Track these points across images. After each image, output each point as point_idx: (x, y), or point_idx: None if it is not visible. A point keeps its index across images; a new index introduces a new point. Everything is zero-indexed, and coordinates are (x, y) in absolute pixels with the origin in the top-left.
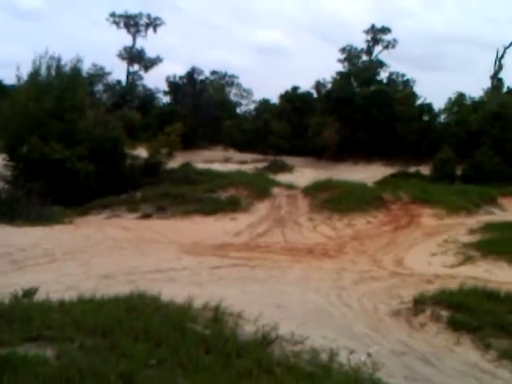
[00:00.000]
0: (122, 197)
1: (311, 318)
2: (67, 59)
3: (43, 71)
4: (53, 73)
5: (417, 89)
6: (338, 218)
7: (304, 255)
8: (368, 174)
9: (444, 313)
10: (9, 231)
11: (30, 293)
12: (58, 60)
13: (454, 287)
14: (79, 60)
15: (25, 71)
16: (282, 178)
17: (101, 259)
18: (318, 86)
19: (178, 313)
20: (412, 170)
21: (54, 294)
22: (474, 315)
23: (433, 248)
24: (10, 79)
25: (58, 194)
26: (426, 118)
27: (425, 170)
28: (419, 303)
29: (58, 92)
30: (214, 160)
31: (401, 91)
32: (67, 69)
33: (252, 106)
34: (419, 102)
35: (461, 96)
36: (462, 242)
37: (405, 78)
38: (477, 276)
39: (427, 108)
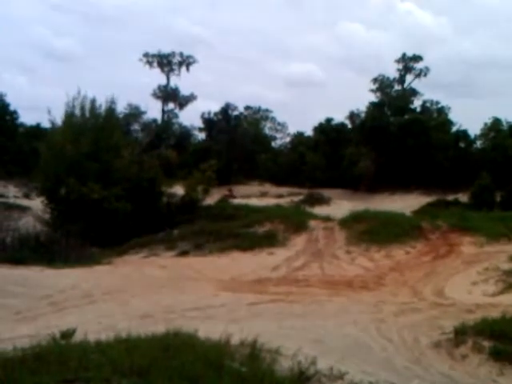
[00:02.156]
0: (160, 235)
1: (350, 353)
2: (102, 100)
3: (77, 112)
4: (87, 114)
5: (451, 116)
6: (376, 250)
7: (342, 288)
8: (405, 203)
9: (486, 343)
10: (48, 273)
11: (68, 334)
12: (93, 101)
13: (495, 316)
14: (113, 101)
15: (59, 113)
16: (319, 210)
17: (139, 298)
18: (352, 116)
19: (214, 350)
20: (450, 197)
21: (92, 334)
22: None
23: (473, 277)
24: (46, 122)
25: (97, 234)
26: (462, 144)
27: (463, 197)
28: (460, 334)
29: (94, 133)
30: (251, 195)
31: (435, 119)
32: (102, 109)
33: (287, 140)
34: (454, 128)
35: (497, 121)
36: (502, 269)
37: (439, 106)
38: None
39: (463, 135)
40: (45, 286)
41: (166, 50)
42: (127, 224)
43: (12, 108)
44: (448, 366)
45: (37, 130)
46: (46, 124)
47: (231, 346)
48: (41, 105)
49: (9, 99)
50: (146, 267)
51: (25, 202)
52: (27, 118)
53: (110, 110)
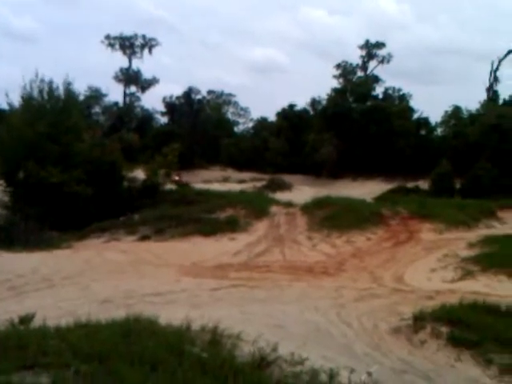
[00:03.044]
0: (121, 220)
1: (311, 338)
2: (59, 82)
3: (36, 95)
4: (45, 96)
5: (413, 103)
6: (337, 236)
7: (303, 274)
8: (366, 190)
9: (444, 329)
10: (7, 257)
11: (26, 319)
12: (50, 83)
13: (454, 303)
14: (70, 82)
15: (17, 95)
16: (281, 196)
17: (100, 283)
18: (314, 103)
19: (175, 336)
20: (410, 184)
21: (51, 319)
22: (475, 330)
23: (432, 263)
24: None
25: (56, 218)
26: (423, 132)
27: (423, 184)
28: (419, 320)
29: (52, 115)
30: (213, 180)
31: (397, 106)
32: (60, 91)
33: (249, 125)
34: (416, 116)
35: (457, 109)
36: (461, 256)
37: (401, 93)
38: (477, 290)
39: (424, 122)
40: (3, 271)
41: (127, 32)
42: (88, 208)
43: None
44: (407, 352)
45: None
46: (4, 106)
47: (192, 332)
48: None
49: None
50: (107, 252)
51: None
52: None
53: (68, 92)
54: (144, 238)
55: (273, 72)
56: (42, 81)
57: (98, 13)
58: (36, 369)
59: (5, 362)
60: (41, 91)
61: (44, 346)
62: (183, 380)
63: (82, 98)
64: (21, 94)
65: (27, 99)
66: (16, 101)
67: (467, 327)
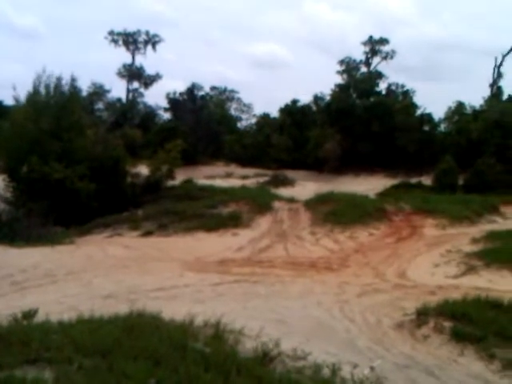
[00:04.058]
0: (124, 215)
1: (314, 333)
2: (66, 78)
3: (42, 90)
4: (51, 92)
5: (416, 99)
6: (340, 231)
7: (306, 269)
8: (370, 185)
9: (447, 324)
10: (9, 252)
11: (29, 314)
12: (58, 79)
13: (457, 298)
14: (74, 78)
15: (23, 91)
16: (284, 191)
17: (102, 279)
18: (316, 99)
19: (178, 331)
20: (414, 180)
21: (54, 315)
22: (478, 325)
23: (435, 259)
24: (9, 100)
25: (59, 213)
26: (426, 128)
27: (426, 180)
28: (422, 315)
29: (56, 111)
30: (216, 176)
31: (400, 102)
32: (65, 88)
33: (253, 121)
34: (419, 112)
35: (460, 105)
36: (464, 251)
37: (404, 89)
38: (480, 286)
39: (427, 118)
40: (6, 266)
41: (130, 28)
42: (90, 203)
43: None
44: (410, 347)
45: None
46: (7, 102)
47: (195, 327)
48: (1, 82)
49: None
50: (110, 247)
51: None
52: None
53: (73, 88)
54: (147, 233)
55: (276, 68)
56: (50, 76)
57: (100, 9)
58: (39, 363)
59: (8, 357)
60: (47, 87)
61: (47, 341)
62: (186, 375)
63: (85, 94)
64: (28, 90)
65: (32, 95)
66: (22, 96)
67: (470, 322)
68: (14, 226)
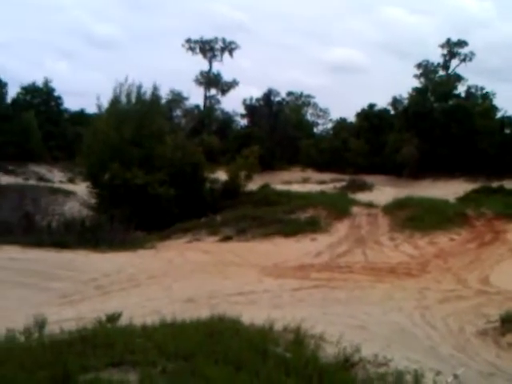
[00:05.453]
0: (203, 220)
1: (394, 339)
2: (146, 87)
3: (123, 99)
4: (133, 100)
5: (497, 101)
6: (419, 236)
7: (386, 275)
8: (449, 190)
9: None
10: (93, 257)
11: (113, 318)
12: (139, 87)
13: None
14: (156, 87)
15: (102, 100)
16: (362, 196)
17: (183, 283)
18: (395, 102)
19: (258, 335)
20: (495, 184)
21: (137, 318)
22: None
23: None
24: (90, 108)
25: (140, 219)
26: (507, 131)
27: (508, 184)
28: (507, 322)
29: (137, 119)
30: (292, 181)
31: (480, 105)
32: (146, 96)
33: (329, 126)
34: (499, 114)
35: None
36: None
37: (484, 91)
38: None
39: (508, 121)
40: (90, 270)
41: (206, 35)
42: (170, 209)
43: (56, 94)
44: (494, 355)
45: (81, 115)
46: (89, 110)
47: (275, 332)
48: (81, 90)
49: (52, 85)
50: (190, 252)
51: (70, 187)
52: (68, 103)
53: (154, 97)
54: (226, 238)
55: (352, 72)
56: (131, 85)
57: (177, 17)
58: (123, 366)
59: (93, 359)
60: (128, 95)
61: (131, 344)
62: (267, 380)
63: (164, 101)
64: (108, 98)
65: (114, 103)
66: (104, 104)
67: None
68: (98, 232)
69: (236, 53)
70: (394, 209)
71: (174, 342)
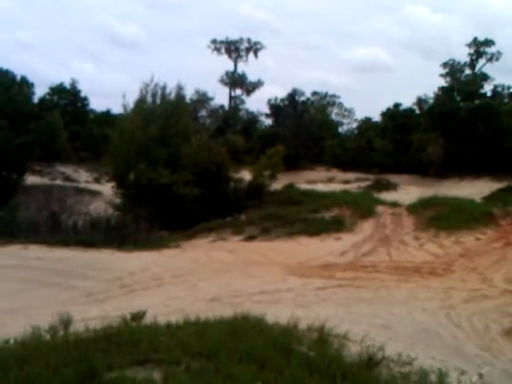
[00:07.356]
0: (227, 220)
1: (419, 339)
2: (171, 87)
3: (149, 99)
4: (158, 100)
5: None
6: (444, 236)
7: (411, 274)
8: (475, 189)
9: None
10: (119, 256)
11: (138, 316)
12: (164, 88)
13: None
14: (181, 87)
15: (130, 100)
16: (386, 196)
17: (207, 282)
18: (420, 101)
19: (282, 334)
20: None
21: (161, 317)
22: None
23: None
24: (115, 108)
25: (165, 218)
26: None
27: None
28: None
29: (163, 119)
30: (317, 180)
31: (507, 104)
32: (171, 96)
33: (354, 125)
34: None
35: None
36: None
37: (510, 90)
38: None
39: None
40: (115, 269)
41: (231, 35)
42: (195, 208)
43: (82, 94)
44: None
45: (107, 115)
46: (115, 110)
47: (299, 331)
48: (107, 91)
49: (79, 85)
50: (214, 251)
51: (95, 187)
52: (94, 103)
53: (180, 97)
54: (250, 237)
55: (376, 72)
56: (157, 85)
57: (201, 18)
58: (148, 364)
59: (118, 357)
60: (154, 95)
61: (155, 342)
62: (291, 378)
63: (189, 101)
64: (134, 98)
65: (140, 103)
66: (130, 104)
67: None
68: (123, 231)
69: (261, 53)
70: (418, 208)
71: (198, 340)
